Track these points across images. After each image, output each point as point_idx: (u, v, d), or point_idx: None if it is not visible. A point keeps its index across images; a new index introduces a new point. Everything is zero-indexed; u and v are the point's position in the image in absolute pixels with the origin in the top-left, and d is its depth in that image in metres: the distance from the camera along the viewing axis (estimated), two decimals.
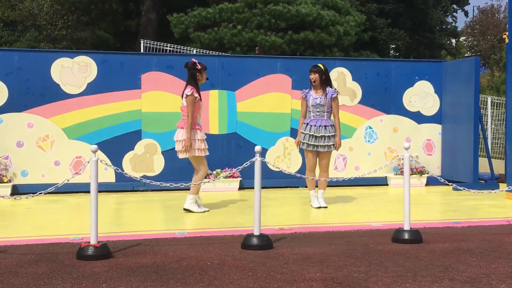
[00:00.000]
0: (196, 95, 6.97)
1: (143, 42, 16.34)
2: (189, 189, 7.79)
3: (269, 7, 17.64)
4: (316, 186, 7.75)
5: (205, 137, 7.20)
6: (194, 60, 7.13)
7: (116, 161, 9.16)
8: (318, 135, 7.41)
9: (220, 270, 4.38)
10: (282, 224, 6.34)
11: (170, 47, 15.89)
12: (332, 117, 7.58)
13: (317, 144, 7.43)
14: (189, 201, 7.12)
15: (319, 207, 7.53)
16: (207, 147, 7.18)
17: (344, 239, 5.56)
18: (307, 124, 7.50)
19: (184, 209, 7.14)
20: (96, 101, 9.26)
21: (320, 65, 7.55)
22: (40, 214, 7.08)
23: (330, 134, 7.45)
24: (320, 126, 7.43)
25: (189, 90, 6.93)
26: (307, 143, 7.46)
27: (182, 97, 7.03)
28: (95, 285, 4.01)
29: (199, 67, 7.05)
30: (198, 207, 7.15)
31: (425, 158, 10.45)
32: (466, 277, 4.24)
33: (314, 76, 7.48)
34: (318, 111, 7.46)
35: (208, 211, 7.18)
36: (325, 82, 7.52)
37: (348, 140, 10.11)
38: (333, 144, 7.50)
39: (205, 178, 9.27)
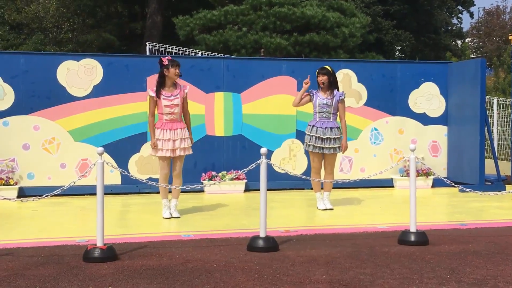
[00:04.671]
0: (152, 94, 6.78)
1: (149, 45, 16.37)
2: (194, 191, 7.81)
3: (274, 9, 17.65)
4: (322, 188, 7.75)
5: (169, 137, 6.80)
6: (162, 57, 6.93)
7: (122, 163, 9.17)
8: (324, 137, 7.40)
9: (226, 272, 4.38)
10: (288, 226, 6.34)
11: (175, 49, 15.92)
12: (338, 120, 7.57)
13: (323, 146, 7.41)
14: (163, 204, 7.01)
15: (325, 209, 7.52)
16: (168, 148, 6.80)
17: (350, 241, 5.55)
18: (313, 126, 7.49)
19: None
20: (102, 103, 9.28)
21: (328, 67, 7.55)
22: (46, 217, 7.10)
23: (336, 136, 7.43)
24: (326, 128, 7.42)
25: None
26: (313, 145, 7.44)
27: None
28: (101, 287, 4.02)
29: (166, 62, 6.78)
30: (167, 211, 6.93)
31: (431, 160, 10.43)
32: (472, 279, 4.23)
33: (322, 78, 7.47)
34: (324, 112, 7.44)
35: (179, 217, 6.95)
36: (333, 84, 7.52)
37: (353, 141, 10.10)
38: (339, 147, 7.48)
39: (211, 180, 9.30)
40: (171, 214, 6.95)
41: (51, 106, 9.11)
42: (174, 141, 6.84)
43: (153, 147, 6.84)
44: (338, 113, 7.57)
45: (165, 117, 6.84)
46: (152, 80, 9.37)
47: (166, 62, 6.81)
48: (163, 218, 6.88)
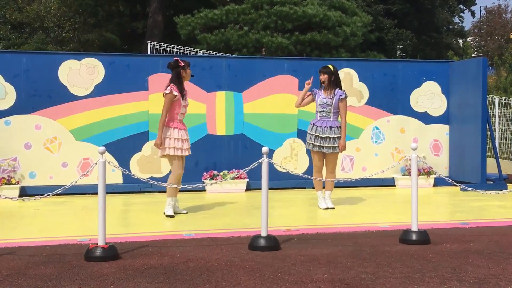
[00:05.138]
0: (176, 93, 6.81)
1: (150, 44, 16.36)
2: (195, 191, 7.79)
3: (275, 8, 17.64)
4: (323, 187, 7.74)
5: (186, 137, 6.95)
6: (176, 58, 7.05)
7: (124, 162, 9.18)
8: (323, 136, 7.39)
9: (228, 271, 4.39)
10: (289, 225, 6.34)
11: (176, 48, 15.91)
12: (339, 119, 7.56)
13: (322, 145, 7.40)
14: (167, 203, 6.94)
15: (326, 208, 7.51)
16: (186, 147, 6.94)
17: (352, 240, 5.55)
18: (313, 124, 7.50)
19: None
20: (103, 102, 9.29)
21: (330, 66, 7.54)
22: (48, 216, 7.10)
23: (335, 136, 7.42)
24: (325, 127, 7.41)
25: (168, 89, 6.84)
26: (313, 143, 7.44)
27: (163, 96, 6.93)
28: (103, 286, 4.02)
29: (182, 64, 6.93)
30: (172, 210, 6.92)
31: (432, 159, 10.42)
32: (474, 278, 4.22)
33: (323, 77, 7.47)
34: (325, 111, 7.44)
35: (186, 213, 7.04)
36: (335, 83, 7.51)
37: (355, 140, 10.10)
38: (338, 146, 7.46)
39: (212, 179, 9.31)
40: (174, 212, 6.98)
41: (52, 106, 9.12)
42: (188, 140, 7.05)
43: (159, 147, 6.83)
44: (339, 113, 7.55)
45: (179, 117, 6.95)
46: (154, 80, 9.39)
47: (182, 63, 6.94)
48: (168, 216, 6.85)
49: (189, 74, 7.03)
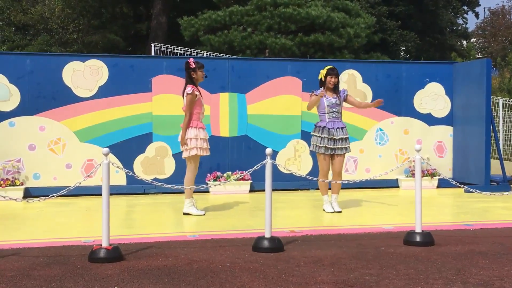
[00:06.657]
0: (197, 93, 6.99)
1: (154, 45, 16.39)
2: (199, 192, 7.75)
3: (279, 10, 17.64)
4: (329, 189, 7.70)
5: (208, 136, 7.20)
6: (189, 59, 7.15)
7: (127, 164, 9.19)
8: (336, 137, 7.34)
9: (231, 273, 4.39)
10: (293, 227, 6.34)
11: (180, 50, 15.93)
12: (343, 120, 7.60)
13: (335, 147, 7.35)
14: (187, 205, 7.11)
15: (333, 212, 7.41)
16: (209, 147, 7.19)
17: (355, 242, 5.54)
18: (323, 127, 7.38)
19: (184, 213, 7.14)
20: (107, 104, 9.30)
21: (335, 68, 7.57)
22: (52, 217, 7.12)
23: (346, 136, 7.42)
24: (337, 128, 7.37)
25: (189, 89, 6.95)
26: (325, 146, 7.33)
27: (183, 96, 7.06)
28: (107, 287, 4.03)
29: (193, 65, 7.05)
30: (196, 209, 7.15)
31: (436, 160, 10.41)
32: (478, 280, 4.22)
33: (335, 80, 7.41)
34: (334, 111, 7.38)
35: (204, 214, 7.14)
36: (338, 84, 7.55)
37: (359, 142, 10.09)
38: (349, 146, 7.47)
39: (216, 180, 9.31)
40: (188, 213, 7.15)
41: (56, 107, 9.13)
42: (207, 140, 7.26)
43: (182, 145, 7.05)
44: (343, 111, 7.61)
45: (200, 116, 7.11)
46: (157, 81, 9.41)
47: (193, 65, 7.03)
48: (199, 215, 7.08)
49: (201, 76, 7.13)
